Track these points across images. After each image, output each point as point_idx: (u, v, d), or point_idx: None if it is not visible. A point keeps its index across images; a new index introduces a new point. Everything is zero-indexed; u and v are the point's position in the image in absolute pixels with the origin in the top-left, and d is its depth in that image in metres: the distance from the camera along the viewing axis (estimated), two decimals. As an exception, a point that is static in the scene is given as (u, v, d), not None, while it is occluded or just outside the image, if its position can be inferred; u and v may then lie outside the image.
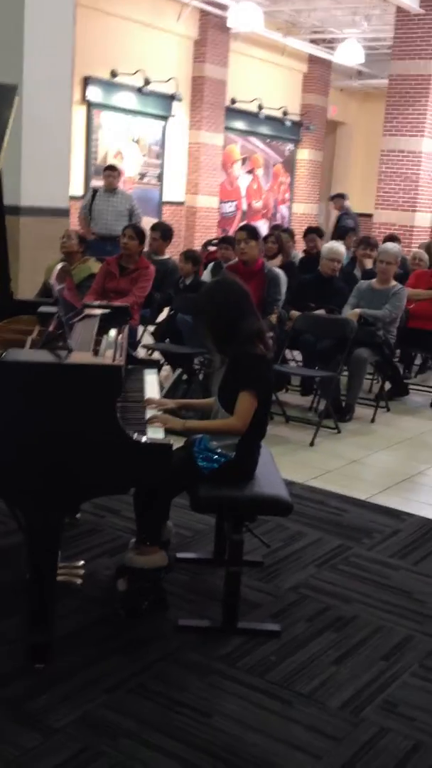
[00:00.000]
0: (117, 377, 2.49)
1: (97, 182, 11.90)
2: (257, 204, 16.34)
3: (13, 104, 3.14)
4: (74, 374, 2.51)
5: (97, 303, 3.98)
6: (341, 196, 12.23)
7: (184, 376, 5.95)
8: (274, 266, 6.46)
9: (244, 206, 16.00)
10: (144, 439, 2.57)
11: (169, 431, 2.92)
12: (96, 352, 2.91)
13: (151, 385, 3.32)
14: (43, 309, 3.38)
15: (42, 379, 2.49)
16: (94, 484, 2.58)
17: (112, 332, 3.28)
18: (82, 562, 3.22)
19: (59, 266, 3.06)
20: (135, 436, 2.54)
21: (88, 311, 3.42)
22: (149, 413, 2.92)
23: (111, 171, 8.55)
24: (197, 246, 11.41)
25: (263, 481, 3.00)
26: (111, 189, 8.33)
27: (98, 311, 3.44)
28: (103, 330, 3.29)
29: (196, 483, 2.94)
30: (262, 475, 3.04)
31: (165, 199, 13.97)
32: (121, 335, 3.25)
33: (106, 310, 3.51)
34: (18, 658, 2.69)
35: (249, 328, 2.93)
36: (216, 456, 2.94)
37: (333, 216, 12.63)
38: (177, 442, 3.06)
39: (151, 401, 3.05)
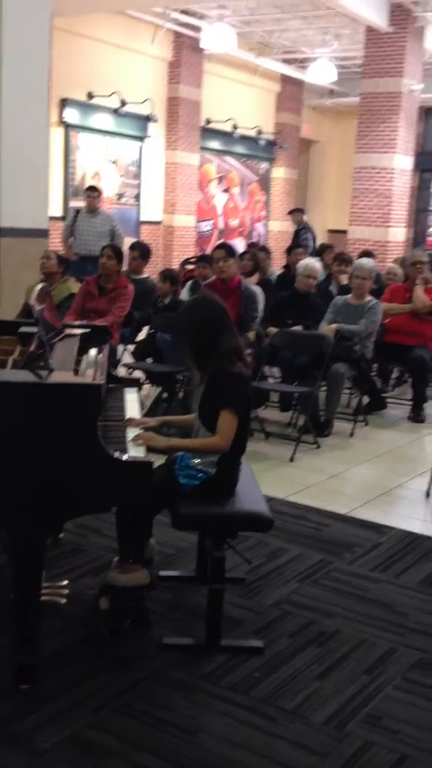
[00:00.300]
0: (96, 396, 2.50)
1: (76, 203, 11.95)
2: (234, 222, 16.45)
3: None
4: (55, 393, 2.53)
5: (77, 323, 3.99)
6: (300, 211, 12.33)
7: (165, 395, 5.97)
8: (251, 284, 6.52)
9: (221, 225, 16.10)
10: (125, 457, 2.58)
11: (152, 449, 2.94)
12: (76, 372, 2.92)
13: (132, 403, 3.34)
14: (23, 329, 3.39)
15: (23, 399, 2.50)
16: (76, 503, 2.59)
17: (93, 351, 3.29)
18: (65, 582, 3.23)
19: (39, 287, 3.08)
20: (116, 454, 2.56)
21: (68, 331, 3.43)
22: (131, 433, 2.93)
23: (91, 192, 8.59)
24: (175, 265, 11.47)
25: (244, 497, 3.03)
26: (92, 210, 8.37)
27: (78, 331, 3.46)
28: (83, 350, 3.30)
29: (177, 500, 2.96)
30: (243, 491, 3.06)
31: (143, 218, 14.03)
32: (101, 354, 3.27)
33: (86, 330, 3.52)
34: (4, 677, 2.68)
35: (227, 345, 2.97)
36: (197, 473, 2.96)
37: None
38: (158, 460, 3.09)
39: (132, 421, 3.07)
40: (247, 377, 3.01)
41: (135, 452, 2.75)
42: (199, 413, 3.03)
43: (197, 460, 2.97)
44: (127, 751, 2.40)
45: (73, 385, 2.57)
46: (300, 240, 8.23)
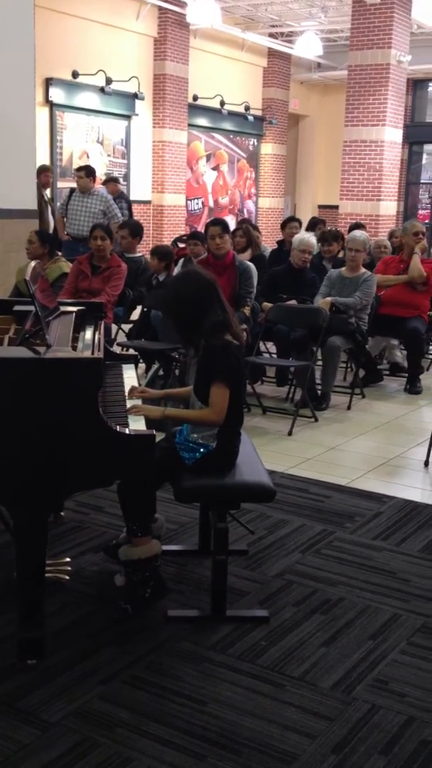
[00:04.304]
0: (97, 370, 2.50)
1: (64, 183, 11.89)
2: (223, 200, 16.38)
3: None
4: (55, 369, 2.52)
5: (71, 301, 3.97)
6: (113, 180, 11.43)
7: (160, 372, 5.96)
8: (245, 259, 6.50)
9: (211, 203, 16.03)
10: (127, 430, 2.58)
11: (148, 419, 2.94)
12: (75, 348, 2.91)
13: (130, 379, 3.33)
14: (18, 308, 3.38)
15: (23, 375, 2.49)
16: (79, 477, 2.58)
17: (89, 329, 3.28)
18: (68, 559, 3.24)
19: (33, 263, 3.07)
20: (118, 428, 2.55)
21: (63, 309, 3.42)
22: (129, 403, 2.94)
23: (77, 172, 8.52)
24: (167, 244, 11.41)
25: (245, 469, 3.03)
26: (84, 190, 8.29)
27: (73, 308, 3.44)
28: (79, 327, 3.29)
29: (179, 474, 2.96)
30: (244, 463, 3.07)
31: (132, 198, 13.93)
32: (97, 331, 3.26)
33: (82, 308, 3.51)
34: (11, 655, 2.69)
35: (214, 319, 2.94)
36: (198, 446, 2.96)
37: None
38: (159, 435, 3.09)
39: (134, 390, 3.07)
40: (235, 348, 2.97)
41: (136, 425, 2.75)
42: (194, 388, 3.03)
43: (196, 434, 2.97)
44: (137, 721, 2.42)
45: (73, 360, 2.56)
46: (113, 210, 8.11)
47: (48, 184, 10.33)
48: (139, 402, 3.01)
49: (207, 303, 2.96)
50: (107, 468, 2.58)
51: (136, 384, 3.28)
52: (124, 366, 3.53)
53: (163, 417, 2.97)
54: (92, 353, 2.78)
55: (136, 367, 3.63)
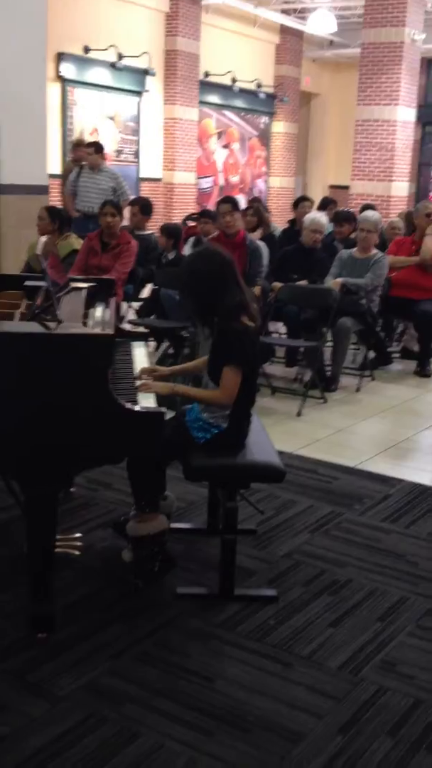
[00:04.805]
0: (108, 346, 2.48)
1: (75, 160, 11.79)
2: (234, 179, 16.25)
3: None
4: (66, 344, 2.50)
5: (82, 277, 3.95)
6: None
7: (170, 350, 5.95)
8: (255, 239, 6.46)
9: (221, 181, 15.91)
10: (136, 407, 2.56)
11: (158, 397, 2.93)
12: (85, 325, 2.89)
13: (140, 357, 3.32)
14: (29, 283, 3.36)
15: (34, 350, 2.48)
16: (88, 454, 2.58)
17: (100, 305, 3.26)
18: (78, 535, 3.25)
19: (44, 239, 3.04)
20: (128, 405, 2.54)
21: (74, 285, 3.40)
22: (138, 381, 2.93)
23: (87, 148, 8.45)
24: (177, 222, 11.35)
25: (255, 448, 3.02)
26: (93, 166, 8.22)
27: (85, 285, 3.43)
28: (89, 304, 3.27)
29: (188, 452, 2.95)
30: (254, 443, 3.05)
31: (142, 175, 13.86)
32: (108, 308, 3.24)
33: (92, 284, 3.49)
34: (20, 630, 2.71)
35: (231, 300, 2.90)
36: (209, 426, 2.95)
37: None
38: (168, 413, 3.08)
39: (144, 369, 3.05)
40: (252, 331, 2.95)
41: (146, 403, 2.74)
42: (207, 368, 3.01)
43: (207, 414, 2.96)
44: (146, 697, 2.43)
45: (84, 336, 2.54)
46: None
47: (81, 159, 9.98)
48: (149, 379, 3.00)
49: (224, 282, 2.92)
50: (116, 445, 2.57)
51: (146, 361, 3.27)
52: (134, 344, 3.51)
53: (173, 393, 2.95)
54: (103, 330, 2.77)
55: (147, 344, 3.61)
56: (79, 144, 9.74)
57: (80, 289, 3.37)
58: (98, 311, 3.17)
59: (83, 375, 2.48)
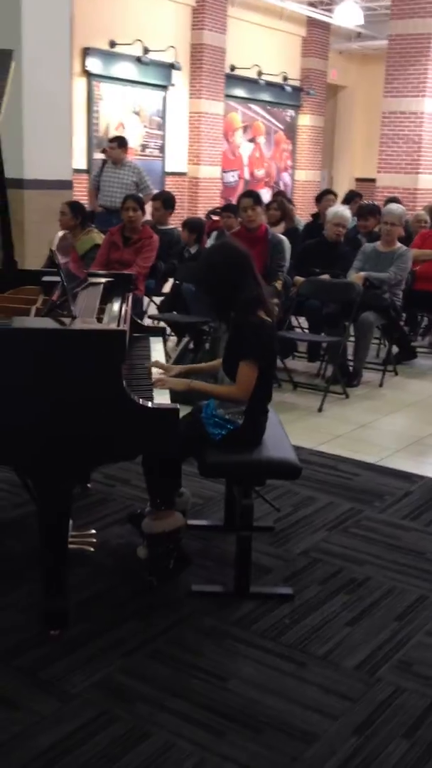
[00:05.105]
0: (121, 342, 2.45)
1: (100, 155, 11.80)
2: (259, 172, 16.18)
3: (9, 70, 3.08)
4: (79, 340, 2.48)
5: (101, 272, 3.94)
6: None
7: (191, 345, 5.92)
8: (278, 233, 6.40)
9: (247, 175, 15.85)
10: (150, 404, 2.54)
11: (174, 392, 2.91)
12: (100, 320, 2.87)
13: (158, 352, 3.30)
14: (46, 278, 3.35)
15: (47, 346, 2.46)
16: (101, 450, 2.56)
17: (117, 300, 3.24)
18: (93, 531, 3.23)
19: (60, 234, 3.03)
20: (141, 401, 2.52)
21: (91, 280, 3.38)
22: (154, 377, 2.91)
23: (110, 143, 8.44)
24: (201, 216, 11.31)
25: (271, 445, 2.98)
26: (116, 161, 8.21)
27: (102, 280, 3.41)
28: (107, 298, 3.26)
29: (204, 448, 2.92)
30: (270, 439, 3.02)
31: (167, 169, 13.85)
32: (125, 303, 3.22)
33: (110, 279, 3.47)
34: (33, 626, 2.70)
35: (248, 294, 2.87)
36: (225, 423, 2.92)
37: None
38: (184, 409, 3.06)
39: (157, 364, 3.03)
40: (269, 326, 2.91)
41: (160, 399, 2.71)
42: (222, 363, 2.97)
43: (223, 410, 2.93)
44: (158, 695, 2.41)
45: (97, 332, 2.52)
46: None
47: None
48: (164, 376, 2.97)
49: (241, 276, 2.89)
50: (130, 441, 2.55)
51: (162, 356, 3.25)
52: (152, 339, 3.49)
53: (189, 390, 2.92)
54: (118, 325, 2.74)
55: (164, 340, 3.59)
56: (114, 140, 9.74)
57: (98, 284, 3.35)
58: (115, 306, 3.15)
59: (96, 371, 2.46)
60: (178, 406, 2.62)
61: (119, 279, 3.53)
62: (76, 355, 2.46)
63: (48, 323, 2.60)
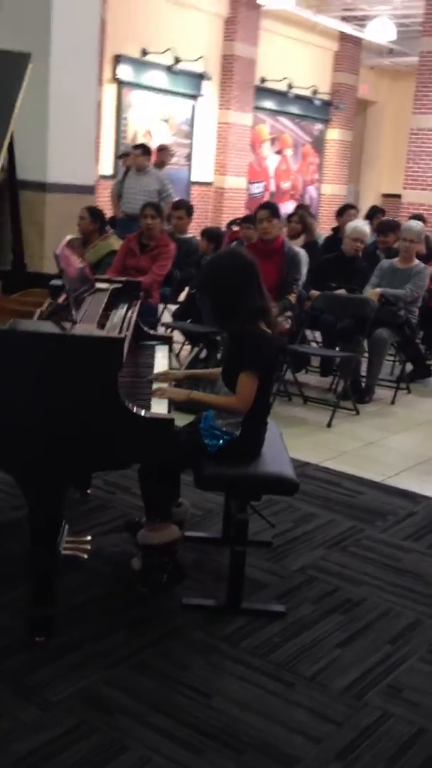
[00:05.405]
0: (118, 350, 2.43)
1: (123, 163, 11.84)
2: (285, 185, 16.18)
3: (25, 73, 3.08)
4: (75, 345, 2.46)
5: (106, 277, 3.93)
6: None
7: (202, 354, 5.90)
8: (297, 246, 6.38)
9: (273, 187, 15.85)
10: (143, 413, 2.51)
11: (176, 406, 2.88)
12: (103, 326, 2.86)
13: (161, 360, 3.28)
14: (54, 282, 3.35)
15: (42, 350, 2.45)
16: (94, 457, 2.54)
17: (122, 307, 3.23)
18: (89, 538, 3.21)
19: (68, 238, 3.02)
20: (135, 410, 2.49)
21: (98, 285, 3.38)
22: (155, 386, 2.88)
23: (134, 150, 8.47)
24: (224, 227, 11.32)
25: (269, 459, 2.94)
26: (140, 168, 8.23)
27: (108, 285, 3.40)
28: (113, 305, 3.24)
29: (201, 460, 2.89)
30: (269, 453, 2.98)
31: (193, 179, 13.88)
32: (131, 310, 3.21)
33: (117, 285, 3.46)
34: (21, 629, 2.67)
35: (251, 304, 2.83)
36: (221, 434, 2.88)
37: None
38: (185, 419, 3.04)
39: (157, 375, 3.01)
40: (269, 338, 2.88)
41: (158, 408, 2.69)
42: (222, 374, 2.94)
43: (221, 421, 2.90)
44: (138, 709, 2.37)
45: (94, 338, 2.50)
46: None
47: (164, 163, 9.79)
48: (165, 385, 2.95)
49: (245, 285, 2.85)
50: (123, 449, 2.52)
51: (166, 365, 3.22)
52: (158, 348, 3.47)
53: (188, 400, 2.89)
54: (119, 332, 2.73)
55: (170, 349, 3.57)
56: (161, 149, 9.81)
57: (105, 290, 3.34)
58: (119, 313, 3.13)
59: (91, 377, 2.44)
60: (174, 416, 2.59)
61: (127, 285, 3.51)
62: (71, 361, 2.44)
63: (46, 327, 2.58)
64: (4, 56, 3.12)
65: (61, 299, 3.05)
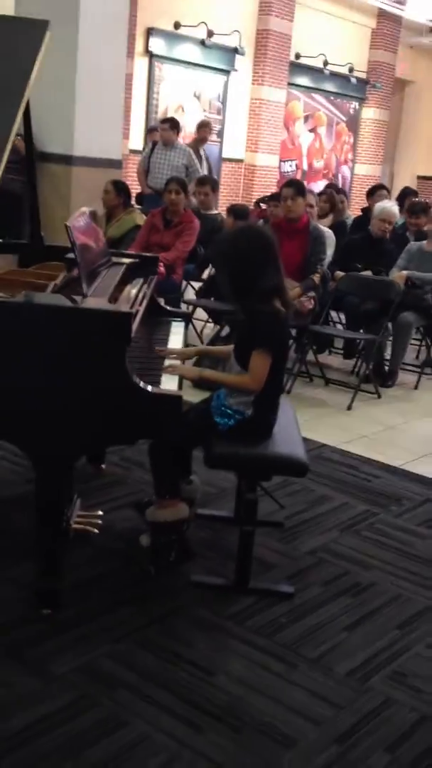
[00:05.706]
0: (126, 324, 2.40)
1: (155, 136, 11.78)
2: (318, 164, 15.98)
3: (41, 42, 3.03)
4: (83, 319, 2.44)
5: (124, 252, 3.90)
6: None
7: (224, 332, 5.86)
8: (325, 225, 6.29)
9: (305, 166, 15.66)
10: (149, 389, 2.48)
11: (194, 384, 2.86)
12: (116, 300, 2.83)
13: (176, 336, 3.25)
14: (70, 255, 3.32)
15: (50, 322, 2.43)
16: (102, 431, 2.52)
17: (138, 282, 3.20)
18: (100, 513, 3.20)
19: (83, 210, 2.99)
20: (142, 385, 2.47)
21: (114, 260, 3.35)
22: (167, 362, 2.85)
23: (162, 124, 8.39)
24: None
25: (280, 440, 2.91)
26: (167, 143, 8.17)
27: (125, 260, 3.37)
28: (127, 280, 3.21)
29: (211, 438, 2.87)
30: (281, 434, 2.94)
31: (224, 155, 13.75)
32: (147, 285, 3.18)
33: (134, 260, 3.43)
34: (29, 603, 2.68)
35: (267, 282, 2.78)
36: (232, 413, 2.85)
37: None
38: (197, 396, 3.01)
39: (170, 351, 2.98)
40: (284, 317, 2.83)
41: (167, 385, 2.66)
42: (234, 351, 2.90)
43: (233, 400, 2.86)
44: (140, 684, 2.37)
45: (102, 312, 2.47)
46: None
47: (205, 140, 9.78)
48: (177, 362, 2.92)
49: (262, 261, 2.78)
50: (130, 425, 2.51)
51: (180, 341, 3.19)
52: (175, 324, 3.45)
53: (200, 378, 2.87)
54: (131, 307, 2.70)
55: (187, 326, 3.53)
56: (203, 125, 9.74)
57: (120, 264, 3.31)
58: (135, 288, 3.10)
59: (99, 351, 2.42)
60: (182, 393, 2.57)
61: (144, 261, 3.48)
62: (78, 334, 2.42)
63: (56, 300, 2.57)
64: (20, 23, 3.07)
65: (75, 272, 3.03)
